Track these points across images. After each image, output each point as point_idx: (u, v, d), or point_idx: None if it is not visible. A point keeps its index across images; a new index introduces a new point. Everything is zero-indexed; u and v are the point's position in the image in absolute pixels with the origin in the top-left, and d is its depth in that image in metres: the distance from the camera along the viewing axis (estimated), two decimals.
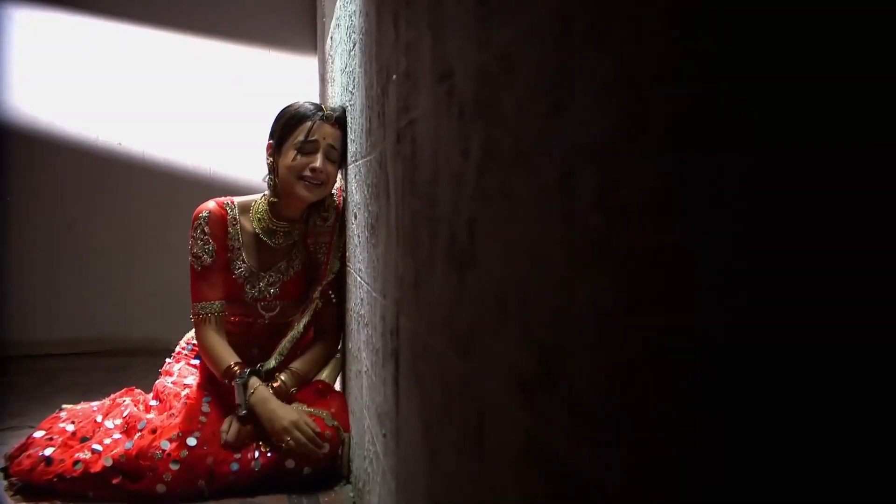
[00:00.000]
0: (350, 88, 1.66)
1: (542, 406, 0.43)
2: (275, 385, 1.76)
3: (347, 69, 1.72)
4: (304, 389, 1.82)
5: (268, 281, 1.87)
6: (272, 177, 1.80)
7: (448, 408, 0.67)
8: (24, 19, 3.51)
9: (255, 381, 1.70)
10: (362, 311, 1.47)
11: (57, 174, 3.51)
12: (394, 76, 0.98)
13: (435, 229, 0.71)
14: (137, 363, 3.01)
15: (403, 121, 0.90)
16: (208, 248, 1.79)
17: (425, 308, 0.77)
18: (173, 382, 1.82)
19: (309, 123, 1.74)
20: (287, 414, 1.64)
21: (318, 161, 1.73)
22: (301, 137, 1.74)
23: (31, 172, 3.50)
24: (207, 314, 1.78)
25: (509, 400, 0.49)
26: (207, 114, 3.63)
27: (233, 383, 1.69)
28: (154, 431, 1.65)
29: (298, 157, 1.74)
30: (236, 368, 1.71)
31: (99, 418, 1.73)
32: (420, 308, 0.80)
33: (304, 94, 3.22)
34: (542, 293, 0.42)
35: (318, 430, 1.64)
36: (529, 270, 0.44)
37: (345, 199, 1.82)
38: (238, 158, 3.56)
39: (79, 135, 3.54)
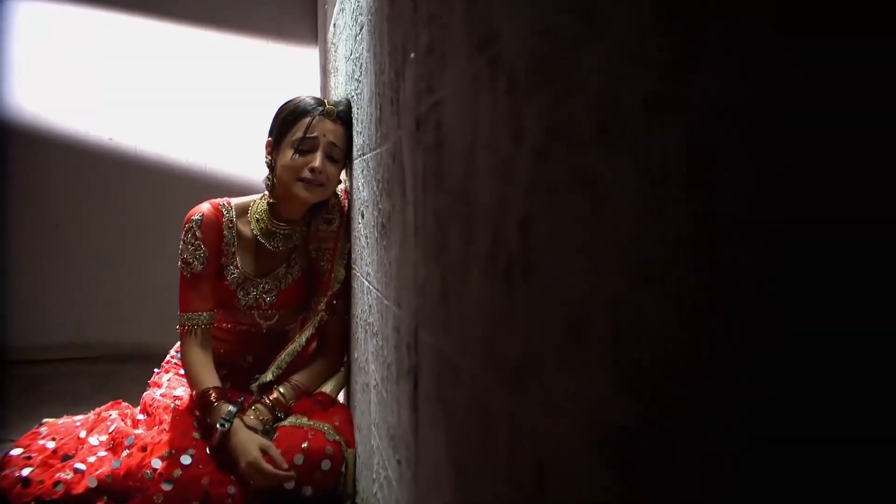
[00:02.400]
0: (356, 76, 1.56)
1: (647, 469, 0.32)
2: (272, 397, 1.66)
3: (353, 56, 1.62)
4: (304, 401, 1.71)
5: (263, 288, 1.77)
6: (270, 177, 1.70)
7: (489, 448, 0.55)
8: (8, 9, 3.40)
9: (236, 422, 1.56)
10: (370, 320, 1.36)
11: (44, 171, 3.41)
12: (412, 55, 0.87)
13: (470, 230, 0.60)
14: (129, 370, 2.91)
15: (425, 104, 0.79)
16: (199, 255, 1.69)
17: (455, 324, 0.66)
18: (162, 395, 1.72)
19: (308, 119, 1.64)
20: (248, 451, 1.49)
21: (317, 160, 1.63)
22: (299, 134, 1.64)
23: (16, 169, 3.40)
24: (193, 326, 1.67)
25: (589, 455, 0.38)
26: (203, 108, 3.53)
27: (214, 406, 1.57)
28: (144, 449, 1.54)
29: (296, 156, 1.64)
30: (212, 395, 1.59)
31: (83, 434, 1.61)
32: (448, 323, 0.68)
33: (305, 86, 3.14)
34: (651, 321, 0.31)
35: (284, 466, 1.50)
36: (629, 288, 0.33)
37: (350, 198, 1.71)
38: (235, 155, 3.48)
39: (67, 129, 3.43)
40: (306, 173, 1.63)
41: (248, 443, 1.51)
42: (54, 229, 3.41)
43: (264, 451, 1.50)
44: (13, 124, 3.37)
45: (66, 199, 3.42)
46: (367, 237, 1.41)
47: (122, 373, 2.91)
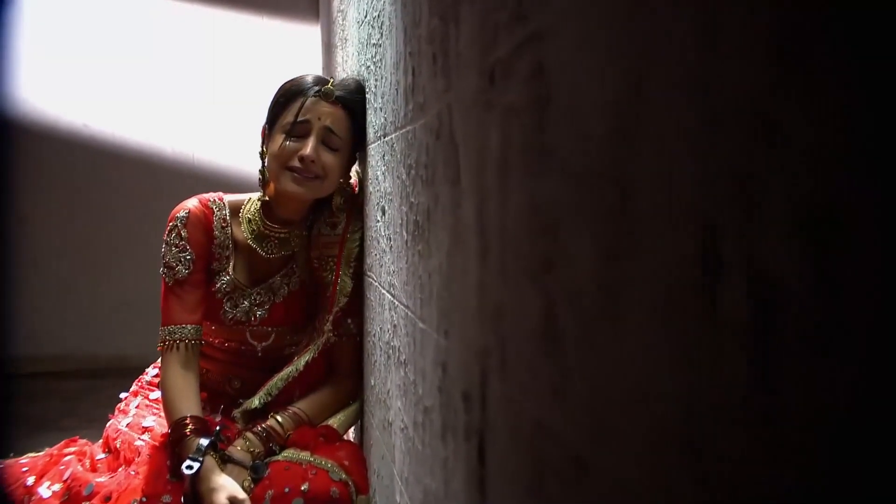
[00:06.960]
0: (374, 41, 1.38)
1: None
2: (266, 425, 1.49)
3: (368, 18, 1.46)
4: (306, 433, 1.53)
5: (254, 300, 1.61)
6: (262, 169, 1.57)
7: None
8: None
9: (208, 461, 1.38)
10: (395, 343, 1.16)
11: (7, 160, 3.22)
12: None
13: (624, 235, 0.37)
14: (104, 387, 2.74)
15: (507, 44, 0.56)
16: (185, 258, 1.54)
17: (579, 391, 0.43)
18: (128, 425, 1.54)
19: (301, 100, 1.50)
20: (216, 499, 1.32)
21: (308, 147, 1.48)
22: (290, 118, 1.50)
23: None
24: (175, 342, 1.51)
25: None
26: (191, 92, 3.46)
27: (186, 439, 1.40)
28: (107, 498, 1.34)
29: (287, 143, 1.50)
30: (189, 425, 1.41)
31: (30, 481, 1.42)
32: (562, 386, 0.45)
33: (305, 66, 3.02)
34: None
35: None
36: None
37: (364, 191, 1.54)
38: (226, 144, 3.41)
39: (34, 113, 3.33)
40: (295, 162, 1.48)
41: (218, 493, 1.32)
42: (21, 228, 3.29)
43: None
44: None
45: (33, 193, 3.31)
46: (389, 238, 1.21)
47: (96, 391, 2.78)
